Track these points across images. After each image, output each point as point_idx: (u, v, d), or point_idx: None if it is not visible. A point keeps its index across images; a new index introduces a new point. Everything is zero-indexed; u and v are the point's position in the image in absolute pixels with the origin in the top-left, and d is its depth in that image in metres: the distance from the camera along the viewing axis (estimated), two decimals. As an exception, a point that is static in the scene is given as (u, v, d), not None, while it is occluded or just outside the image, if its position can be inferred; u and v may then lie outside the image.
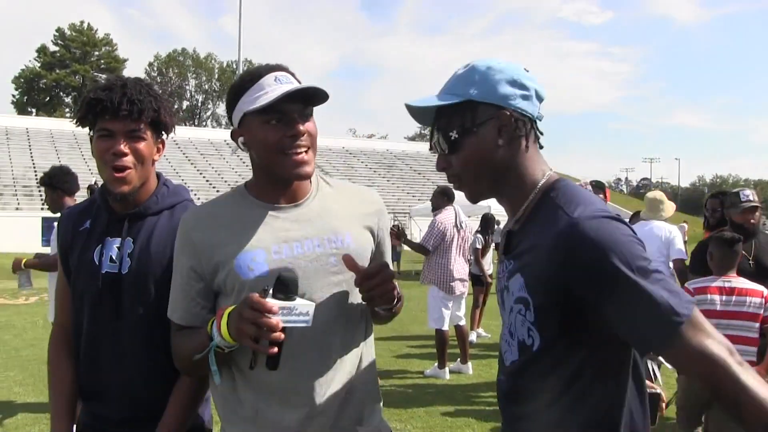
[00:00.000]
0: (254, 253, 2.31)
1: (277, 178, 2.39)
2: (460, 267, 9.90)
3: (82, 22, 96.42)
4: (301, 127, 2.30)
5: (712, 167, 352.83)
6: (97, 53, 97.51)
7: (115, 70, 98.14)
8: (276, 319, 2.01)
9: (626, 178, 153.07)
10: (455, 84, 2.09)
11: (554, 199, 1.99)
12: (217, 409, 2.50)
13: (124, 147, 2.59)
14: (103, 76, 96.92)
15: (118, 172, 2.61)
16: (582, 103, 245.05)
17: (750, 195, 6.52)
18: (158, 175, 2.88)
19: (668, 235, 8.12)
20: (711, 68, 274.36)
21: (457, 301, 10.05)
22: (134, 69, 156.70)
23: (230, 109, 2.40)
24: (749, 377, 1.71)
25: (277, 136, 2.29)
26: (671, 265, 7.96)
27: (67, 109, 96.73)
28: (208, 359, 2.20)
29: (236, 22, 61.19)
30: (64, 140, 56.76)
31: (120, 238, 2.71)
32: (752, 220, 6.45)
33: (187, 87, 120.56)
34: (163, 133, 2.80)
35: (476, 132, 2.04)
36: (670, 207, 8.58)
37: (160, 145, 2.80)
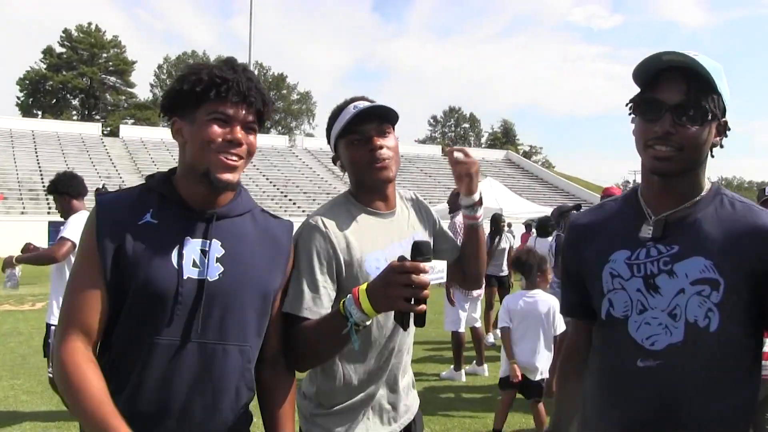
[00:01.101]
0: (377, 253, 2.79)
1: (368, 188, 2.88)
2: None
3: (89, 24, 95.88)
4: (379, 142, 2.76)
5: (718, 169, 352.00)
6: (105, 55, 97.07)
7: (124, 73, 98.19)
8: (426, 277, 2.23)
9: (634, 180, 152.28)
10: (718, 71, 2.21)
11: (734, 198, 2.29)
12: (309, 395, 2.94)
13: (241, 136, 2.36)
14: (113, 79, 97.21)
15: (231, 159, 2.35)
16: (593, 106, 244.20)
17: None
18: None
19: None
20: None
21: (473, 303, 10.06)
22: (144, 71, 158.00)
23: (329, 139, 2.95)
24: None
25: (360, 152, 2.79)
26: None
27: (74, 112, 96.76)
28: (349, 336, 2.41)
29: (247, 24, 61.24)
30: (72, 143, 56.76)
31: (204, 239, 2.39)
32: None
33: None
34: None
35: (716, 122, 2.23)
36: None
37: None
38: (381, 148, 2.77)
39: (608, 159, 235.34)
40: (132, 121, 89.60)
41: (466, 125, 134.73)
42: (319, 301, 2.66)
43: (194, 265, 2.34)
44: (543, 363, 6.76)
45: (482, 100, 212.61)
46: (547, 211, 26.98)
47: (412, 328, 2.36)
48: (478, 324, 10.20)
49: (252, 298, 2.45)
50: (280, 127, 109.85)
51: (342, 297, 2.49)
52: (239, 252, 2.44)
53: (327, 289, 2.70)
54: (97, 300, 2.28)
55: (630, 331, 2.28)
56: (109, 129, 70.96)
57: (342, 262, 2.73)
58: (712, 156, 2.30)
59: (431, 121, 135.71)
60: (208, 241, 2.39)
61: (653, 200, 2.34)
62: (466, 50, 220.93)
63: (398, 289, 2.23)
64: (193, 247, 2.36)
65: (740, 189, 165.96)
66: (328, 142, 2.96)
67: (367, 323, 2.41)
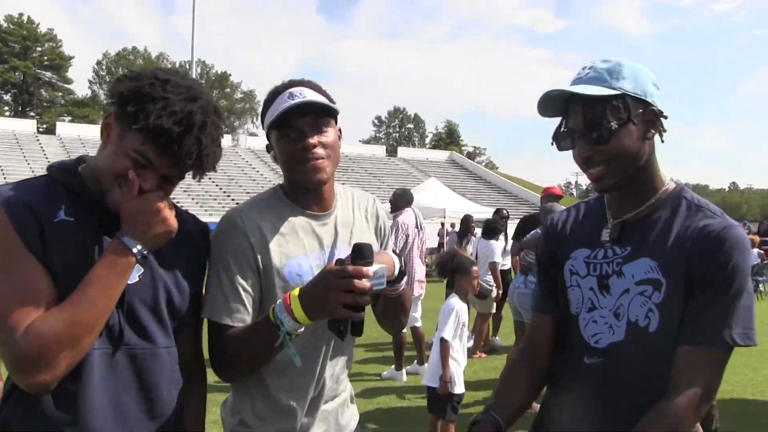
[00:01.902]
0: (300, 259, 2.52)
1: (300, 187, 2.58)
2: (419, 268, 9.95)
3: (20, 15, 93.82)
4: (312, 140, 2.46)
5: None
6: (39, 49, 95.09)
7: (60, 68, 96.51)
8: (368, 283, 2.16)
9: (576, 182, 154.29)
10: (602, 76, 2.21)
11: (692, 201, 2.28)
12: (235, 410, 2.63)
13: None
14: (48, 74, 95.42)
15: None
16: (537, 108, 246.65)
17: None
18: None
19: None
20: (658, 78, 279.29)
21: (414, 303, 10.01)
22: (82, 67, 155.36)
23: (263, 126, 2.62)
24: None
25: (291, 148, 2.49)
26: None
27: (6, 108, 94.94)
28: (282, 346, 2.29)
29: (189, 22, 60.63)
30: (4, 140, 55.19)
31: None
32: None
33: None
34: None
35: (631, 124, 2.19)
36: None
37: None
38: (315, 146, 2.46)
39: (551, 161, 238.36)
40: (69, 118, 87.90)
41: (411, 126, 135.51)
42: (240, 306, 2.45)
43: None
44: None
45: (427, 101, 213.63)
46: (489, 211, 27.16)
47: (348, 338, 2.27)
48: (419, 324, 10.20)
49: (173, 298, 2.31)
50: (223, 127, 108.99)
51: (266, 303, 2.44)
52: (158, 251, 2.24)
53: (248, 293, 2.47)
54: (44, 300, 2.02)
55: (580, 327, 2.35)
56: (45, 126, 69.71)
57: (260, 264, 2.48)
58: (662, 141, 2.30)
59: (376, 121, 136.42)
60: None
61: (614, 206, 2.38)
62: (412, 52, 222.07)
63: (338, 295, 2.14)
64: None
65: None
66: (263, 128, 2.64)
67: (300, 331, 2.29)
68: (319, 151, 2.48)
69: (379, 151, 76.06)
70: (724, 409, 8.42)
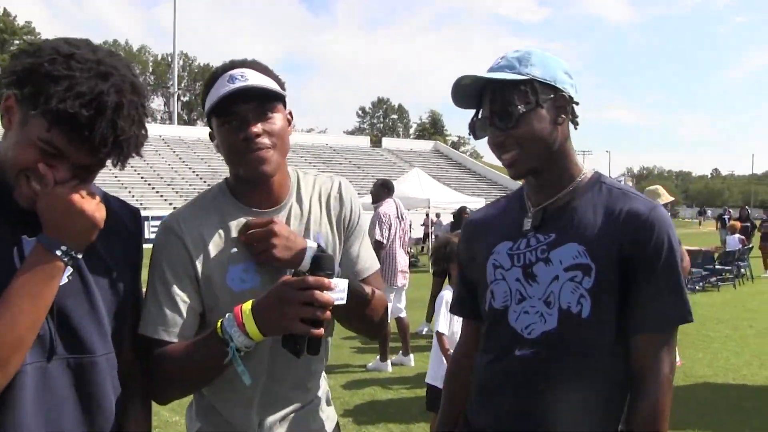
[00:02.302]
0: (246, 265, 2.27)
1: (243, 180, 2.32)
2: (401, 259, 9.97)
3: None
4: (255, 129, 2.19)
5: (640, 159, 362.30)
6: (17, 42, 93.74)
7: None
8: (330, 296, 2.00)
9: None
10: (512, 64, 2.22)
11: (612, 185, 2.29)
12: (195, 418, 2.44)
13: (64, 176, 1.85)
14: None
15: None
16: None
17: None
18: None
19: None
20: (641, 65, 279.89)
21: (398, 293, 10.09)
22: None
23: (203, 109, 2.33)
24: None
25: (232, 137, 2.22)
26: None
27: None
28: (232, 363, 2.08)
29: (170, 14, 60.28)
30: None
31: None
32: None
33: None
34: None
35: (540, 108, 2.19)
36: (665, 196, 9.85)
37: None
38: (259, 135, 2.19)
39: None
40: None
41: (395, 116, 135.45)
42: (178, 319, 2.21)
43: None
44: None
45: (411, 91, 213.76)
46: (474, 200, 27.17)
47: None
48: (403, 314, 10.21)
49: (110, 299, 2.03)
50: (206, 119, 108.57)
51: (209, 316, 2.26)
52: (89, 247, 1.93)
53: (187, 304, 2.23)
54: None
55: (510, 321, 2.28)
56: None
57: (199, 273, 2.24)
58: (576, 126, 2.33)
59: (360, 112, 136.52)
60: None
61: (532, 194, 2.36)
62: (395, 42, 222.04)
63: (295, 308, 1.96)
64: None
65: (660, 178, 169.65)
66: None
67: (250, 349, 2.08)
68: (264, 140, 2.21)
69: (364, 142, 75.72)
70: (707, 395, 8.52)
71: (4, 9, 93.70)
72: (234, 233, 2.28)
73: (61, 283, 1.86)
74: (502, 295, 2.32)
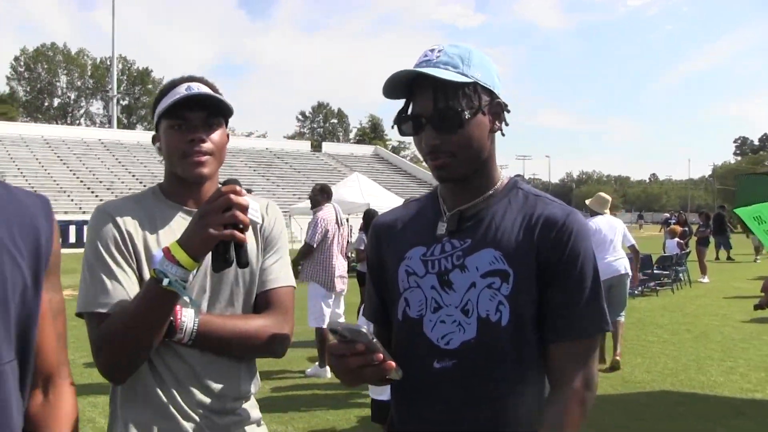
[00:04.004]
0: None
1: (180, 181, 2.48)
2: (340, 264, 9.95)
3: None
4: (201, 135, 2.40)
5: (578, 164, 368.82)
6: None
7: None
8: (244, 200, 2.10)
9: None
10: (455, 62, 2.08)
11: (528, 191, 2.22)
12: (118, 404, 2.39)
13: None
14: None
15: None
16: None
17: None
18: None
19: (623, 226, 10.63)
20: (576, 71, 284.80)
21: (337, 299, 10.07)
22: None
23: (153, 117, 2.52)
24: None
25: (178, 139, 2.41)
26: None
27: None
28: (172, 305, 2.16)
29: (108, 17, 59.56)
30: None
31: None
32: None
33: (58, 84, 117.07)
34: None
35: (482, 114, 2.10)
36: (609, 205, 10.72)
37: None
38: (202, 141, 2.40)
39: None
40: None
41: (335, 120, 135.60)
42: (120, 291, 2.26)
43: None
44: None
45: (351, 95, 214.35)
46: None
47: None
48: (342, 319, 10.06)
49: (10, 295, 1.70)
50: (145, 123, 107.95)
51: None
52: None
53: (128, 276, 2.30)
54: None
55: (425, 330, 2.15)
56: None
57: (132, 251, 2.35)
58: (503, 134, 2.23)
59: (299, 116, 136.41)
60: None
61: (449, 198, 2.25)
62: (334, 46, 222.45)
63: (215, 217, 2.06)
64: None
65: (599, 182, 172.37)
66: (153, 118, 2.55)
67: (189, 280, 2.15)
68: (206, 146, 2.41)
69: (304, 146, 75.75)
70: (645, 400, 8.58)
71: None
72: (161, 224, 2.43)
73: None
74: (418, 304, 2.18)
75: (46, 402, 1.90)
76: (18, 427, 1.75)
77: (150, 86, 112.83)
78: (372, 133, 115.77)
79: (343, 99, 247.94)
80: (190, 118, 2.41)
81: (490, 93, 2.12)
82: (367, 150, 77.94)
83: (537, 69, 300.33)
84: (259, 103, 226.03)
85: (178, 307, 2.23)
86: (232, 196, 2.07)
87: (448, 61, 2.08)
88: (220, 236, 2.08)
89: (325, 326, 9.50)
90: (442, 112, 2.06)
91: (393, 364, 1.93)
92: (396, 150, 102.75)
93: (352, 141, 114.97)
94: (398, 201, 28.52)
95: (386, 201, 26.64)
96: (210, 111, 2.44)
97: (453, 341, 2.09)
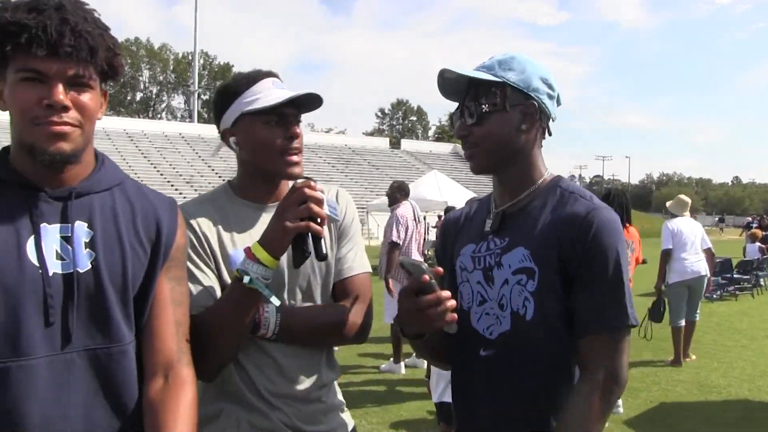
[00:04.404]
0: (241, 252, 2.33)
1: (268, 177, 2.52)
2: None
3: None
4: (297, 130, 2.46)
5: (659, 165, 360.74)
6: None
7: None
8: (320, 194, 2.22)
9: (580, 175, 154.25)
10: (493, 65, 2.31)
11: (568, 190, 2.33)
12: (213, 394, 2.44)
13: (64, 97, 1.81)
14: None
15: (57, 126, 1.81)
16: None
17: None
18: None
19: (701, 229, 10.66)
20: (658, 71, 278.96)
21: (413, 296, 9.95)
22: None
23: (222, 110, 2.52)
24: None
25: (277, 136, 2.43)
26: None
27: None
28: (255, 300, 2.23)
29: (191, 12, 60.51)
30: None
31: (64, 224, 1.88)
32: None
33: (141, 78, 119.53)
34: (107, 83, 2.02)
35: (505, 112, 2.28)
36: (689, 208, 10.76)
37: (104, 99, 2.02)
38: (298, 136, 2.47)
39: (555, 152, 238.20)
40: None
41: (414, 118, 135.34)
42: (202, 291, 2.32)
43: (58, 257, 1.84)
44: None
45: (430, 93, 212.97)
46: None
47: None
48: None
49: (131, 287, 1.96)
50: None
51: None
52: (111, 232, 1.94)
53: (208, 277, 2.36)
54: None
55: (472, 322, 2.37)
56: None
57: (210, 253, 2.39)
58: (546, 136, 2.40)
59: (379, 113, 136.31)
60: (70, 225, 1.88)
61: (497, 196, 2.44)
62: (413, 43, 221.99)
63: (292, 212, 2.17)
64: (52, 234, 1.85)
65: (680, 185, 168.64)
66: (219, 111, 2.54)
67: (269, 278, 2.21)
68: (299, 143, 2.48)
69: (383, 143, 75.86)
70: (720, 405, 8.47)
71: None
72: (236, 224, 2.47)
73: (83, 270, 1.86)
74: (467, 297, 2.41)
75: (166, 387, 1.98)
76: (136, 402, 1.97)
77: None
78: (451, 131, 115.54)
79: (422, 96, 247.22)
80: (287, 114, 2.44)
81: (524, 94, 2.28)
82: (445, 148, 77.62)
83: (619, 67, 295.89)
84: (338, 100, 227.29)
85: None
86: (307, 189, 2.17)
87: (488, 65, 2.32)
88: (296, 228, 2.17)
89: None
90: (468, 106, 2.31)
91: (454, 315, 2.11)
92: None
93: (431, 139, 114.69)
94: (475, 199, 28.38)
95: (464, 198, 26.60)
96: (300, 109, 2.49)
97: (494, 332, 2.30)
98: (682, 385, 9.26)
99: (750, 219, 42.57)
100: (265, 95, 2.43)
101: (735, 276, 19.68)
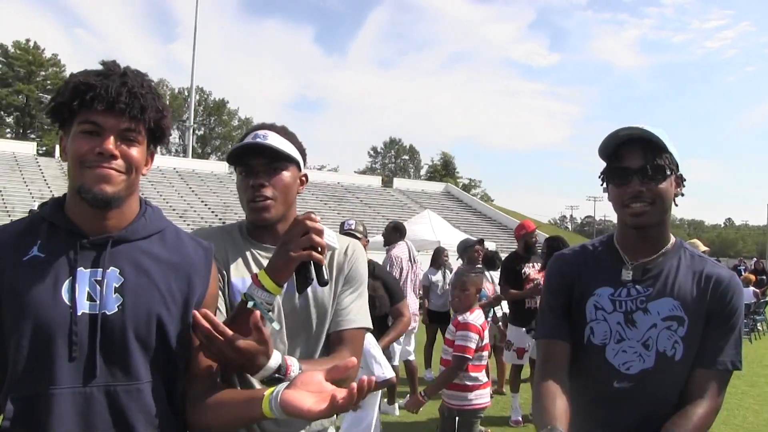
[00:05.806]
0: (244, 280, 2.59)
1: (252, 222, 2.74)
2: (412, 302, 9.91)
3: (27, 41, 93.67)
4: (260, 181, 2.63)
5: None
6: (43, 73, 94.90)
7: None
8: (320, 225, 2.37)
9: (571, 216, 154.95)
10: (657, 132, 2.64)
11: (692, 252, 2.83)
12: None
13: (113, 147, 2.08)
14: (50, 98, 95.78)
15: (104, 170, 2.09)
16: (531, 141, 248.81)
17: None
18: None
19: None
20: (651, 111, 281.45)
21: (407, 336, 9.93)
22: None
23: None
24: None
25: (244, 186, 2.68)
26: None
27: (8, 130, 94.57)
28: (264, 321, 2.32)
29: (188, 49, 60.89)
30: (4, 161, 54.17)
31: (98, 269, 2.12)
32: None
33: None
34: (155, 144, 2.33)
35: (672, 177, 2.69)
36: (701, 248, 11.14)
37: (150, 158, 2.29)
38: (262, 187, 2.62)
39: (546, 193, 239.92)
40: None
41: (406, 157, 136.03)
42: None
43: (89, 298, 2.07)
44: None
45: (422, 132, 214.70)
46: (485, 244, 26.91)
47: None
48: (412, 357, 10.13)
49: (155, 332, 2.16)
50: (219, 153, 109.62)
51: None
52: (143, 279, 2.16)
53: (220, 312, 2.52)
54: None
55: (608, 356, 2.75)
56: (44, 149, 69.54)
57: (222, 285, 2.60)
58: (676, 205, 2.75)
59: (371, 152, 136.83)
60: (103, 270, 2.11)
61: (629, 249, 2.81)
62: (407, 83, 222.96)
63: (296, 242, 2.32)
64: (86, 278, 2.09)
65: (672, 226, 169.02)
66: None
67: (273, 304, 2.38)
68: (266, 192, 2.63)
69: (375, 181, 75.95)
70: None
71: (35, 42, 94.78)
72: (241, 259, 2.69)
73: (110, 313, 2.09)
74: (602, 334, 2.77)
75: (204, 402, 2.24)
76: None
77: (225, 117, 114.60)
78: (443, 170, 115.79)
79: (415, 135, 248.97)
80: (251, 165, 2.66)
81: (677, 166, 2.71)
82: (437, 187, 77.76)
83: (612, 108, 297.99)
84: (330, 138, 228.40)
85: (287, 357, 2.42)
86: (308, 221, 2.34)
87: (653, 131, 2.64)
88: (299, 257, 2.34)
89: (395, 363, 9.44)
90: (651, 165, 2.62)
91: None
92: (466, 188, 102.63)
93: (423, 177, 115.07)
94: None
95: (457, 238, 26.52)
96: (271, 156, 2.65)
97: (633, 368, 2.72)
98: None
99: (737, 263, 42.08)
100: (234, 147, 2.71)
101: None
